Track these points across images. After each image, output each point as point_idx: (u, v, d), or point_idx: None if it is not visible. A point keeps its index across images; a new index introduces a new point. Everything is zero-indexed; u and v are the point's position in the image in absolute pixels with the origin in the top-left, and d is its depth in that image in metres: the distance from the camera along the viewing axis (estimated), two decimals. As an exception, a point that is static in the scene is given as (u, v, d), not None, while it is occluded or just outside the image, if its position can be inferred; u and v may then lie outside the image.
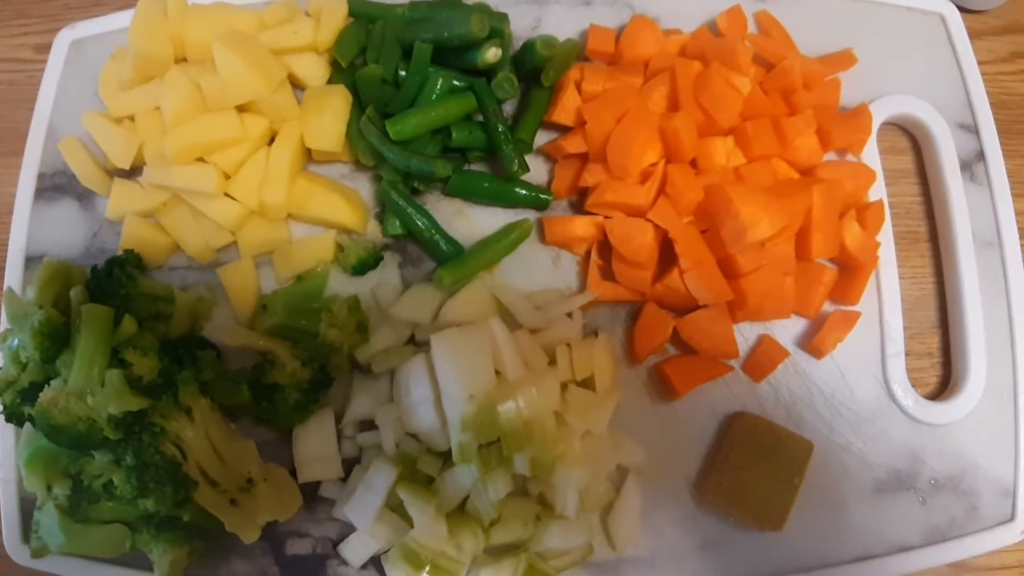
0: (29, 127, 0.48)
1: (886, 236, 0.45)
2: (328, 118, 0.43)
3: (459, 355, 0.37)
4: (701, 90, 0.43)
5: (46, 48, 0.51)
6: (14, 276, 0.46)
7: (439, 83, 0.44)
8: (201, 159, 0.43)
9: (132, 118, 0.45)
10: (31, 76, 0.52)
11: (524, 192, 0.44)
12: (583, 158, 0.44)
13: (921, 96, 0.47)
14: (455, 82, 0.44)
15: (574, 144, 0.44)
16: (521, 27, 0.48)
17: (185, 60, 0.45)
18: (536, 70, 0.45)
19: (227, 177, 0.43)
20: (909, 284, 0.46)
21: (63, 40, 0.50)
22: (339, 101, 0.44)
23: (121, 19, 0.49)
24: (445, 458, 0.39)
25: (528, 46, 0.45)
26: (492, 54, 0.43)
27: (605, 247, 0.43)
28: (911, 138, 0.49)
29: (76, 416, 0.35)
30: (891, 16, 0.49)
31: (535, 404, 0.37)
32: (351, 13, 0.46)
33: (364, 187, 0.46)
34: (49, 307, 0.37)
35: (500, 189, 0.44)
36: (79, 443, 0.36)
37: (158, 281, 0.43)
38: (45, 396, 0.35)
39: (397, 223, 0.44)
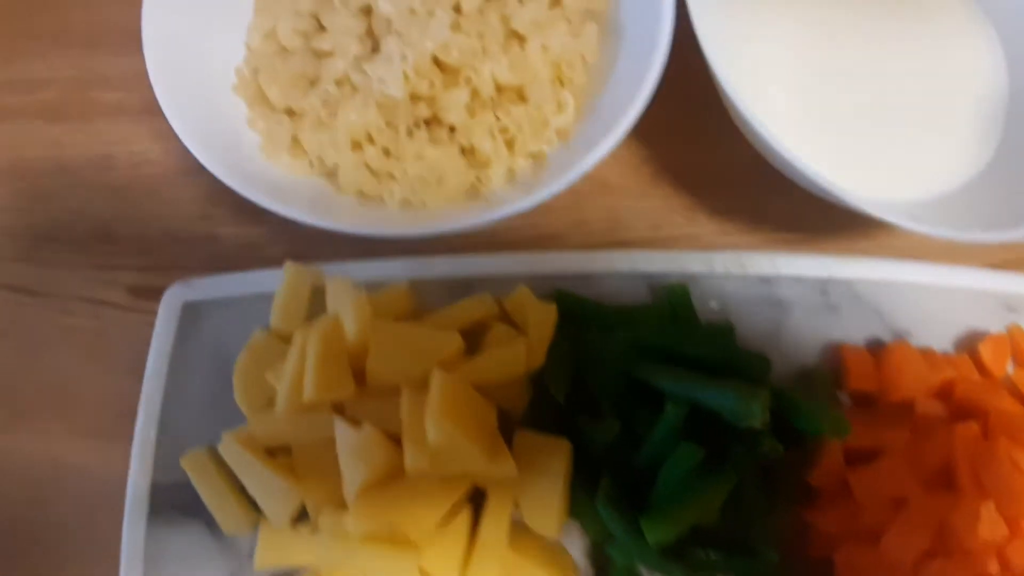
0: (129, 402, 0.35)
1: None
2: (544, 490, 0.32)
3: None
4: (982, 467, 0.34)
5: (144, 293, 0.40)
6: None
7: (693, 457, 0.32)
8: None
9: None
10: (125, 329, 0.39)
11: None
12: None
13: None
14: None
15: (833, 520, 0.34)
16: (755, 332, 0.36)
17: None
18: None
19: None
20: None
21: (174, 299, 0.33)
22: (557, 465, 0.32)
23: (260, 280, 0.37)
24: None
25: (789, 404, 0.34)
26: (760, 422, 0.32)
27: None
28: None
29: None
30: None
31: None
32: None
33: (575, 543, 0.34)
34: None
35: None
36: None
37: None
38: None
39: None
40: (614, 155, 0.36)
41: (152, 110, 0.36)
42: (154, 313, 0.38)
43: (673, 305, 0.37)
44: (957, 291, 0.42)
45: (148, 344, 0.37)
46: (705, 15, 0.36)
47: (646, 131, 0.38)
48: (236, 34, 0.39)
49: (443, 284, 0.38)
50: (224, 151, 0.35)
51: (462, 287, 0.38)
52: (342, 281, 0.35)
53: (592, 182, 0.42)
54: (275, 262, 0.37)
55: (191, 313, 0.38)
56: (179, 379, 0.37)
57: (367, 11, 0.36)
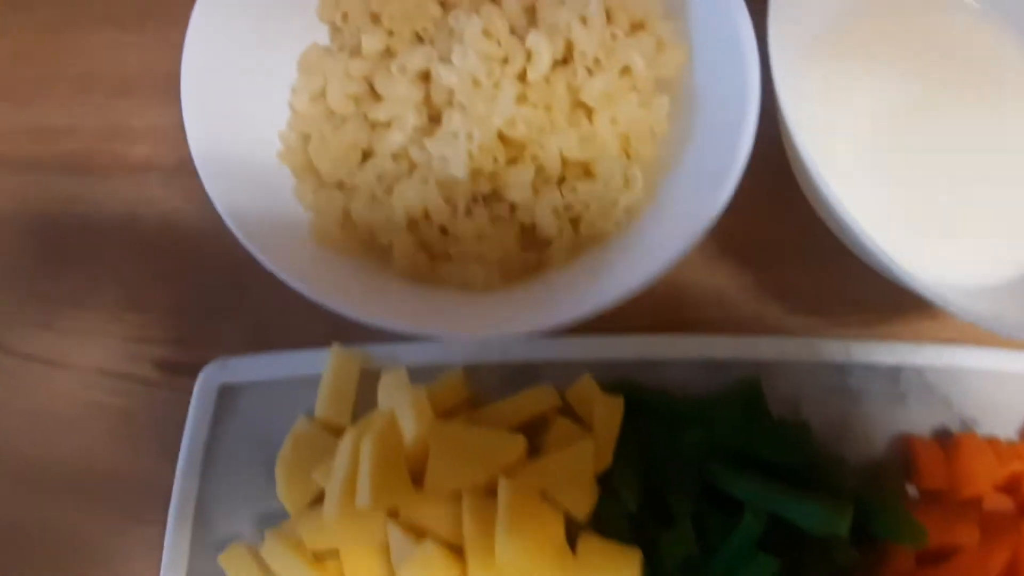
0: (160, 487, 0.33)
1: None
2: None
3: None
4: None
5: (175, 368, 0.37)
6: None
7: (769, 569, 0.30)
8: None
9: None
10: (155, 408, 0.36)
11: None
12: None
13: None
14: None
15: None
16: (824, 422, 0.34)
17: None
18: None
19: None
20: None
21: (210, 381, 0.31)
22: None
23: (304, 362, 0.34)
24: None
25: (866, 509, 0.32)
26: (842, 527, 0.30)
27: None
28: None
29: None
30: None
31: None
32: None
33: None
34: None
35: None
36: None
37: None
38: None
39: None
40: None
41: (185, 168, 0.33)
42: (186, 391, 0.35)
43: (745, 399, 0.35)
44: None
45: (179, 425, 0.34)
46: (787, 86, 0.33)
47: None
48: (280, 92, 0.37)
49: (499, 370, 0.36)
50: (264, 223, 0.32)
51: (518, 372, 0.35)
52: (398, 375, 0.33)
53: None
54: (318, 338, 0.35)
55: (228, 396, 0.36)
56: (216, 467, 0.35)
57: (425, 77, 0.34)
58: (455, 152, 0.31)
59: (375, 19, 0.35)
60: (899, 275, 0.32)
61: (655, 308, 0.39)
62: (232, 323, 0.38)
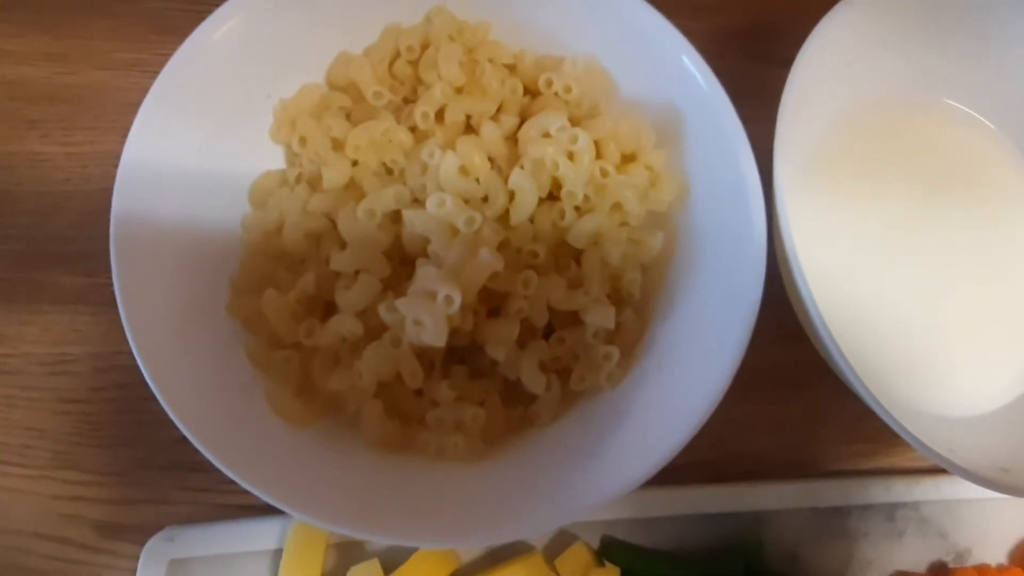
0: None
1: None
2: None
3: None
4: None
5: (113, 531, 0.32)
6: None
7: None
8: None
9: None
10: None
11: None
12: None
13: None
14: None
15: None
16: (823, 567, 0.34)
17: None
18: None
19: None
20: None
21: (156, 555, 0.29)
22: None
23: (258, 534, 0.31)
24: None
25: None
26: None
27: None
28: None
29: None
30: None
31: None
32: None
33: None
34: None
35: None
36: None
37: None
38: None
39: None
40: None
41: (115, 305, 0.29)
42: (125, 557, 0.31)
43: (746, 560, 0.33)
44: (1014, 500, 0.40)
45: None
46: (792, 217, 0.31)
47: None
48: (230, 224, 0.33)
49: (480, 534, 0.33)
50: (202, 392, 0.28)
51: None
52: (367, 570, 0.29)
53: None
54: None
55: (178, 572, 0.32)
56: None
57: (396, 218, 0.30)
58: (433, 318, 0.27)
59: (337, 146, 0.32)
60: (877, 409, 0.30)
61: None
62: (174, 480, 0.34)
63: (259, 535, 0.32)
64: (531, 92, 0.34)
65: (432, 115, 0.32)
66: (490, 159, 0.32)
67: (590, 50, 0.34)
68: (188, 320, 0.30)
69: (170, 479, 0.34)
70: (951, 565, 0.37)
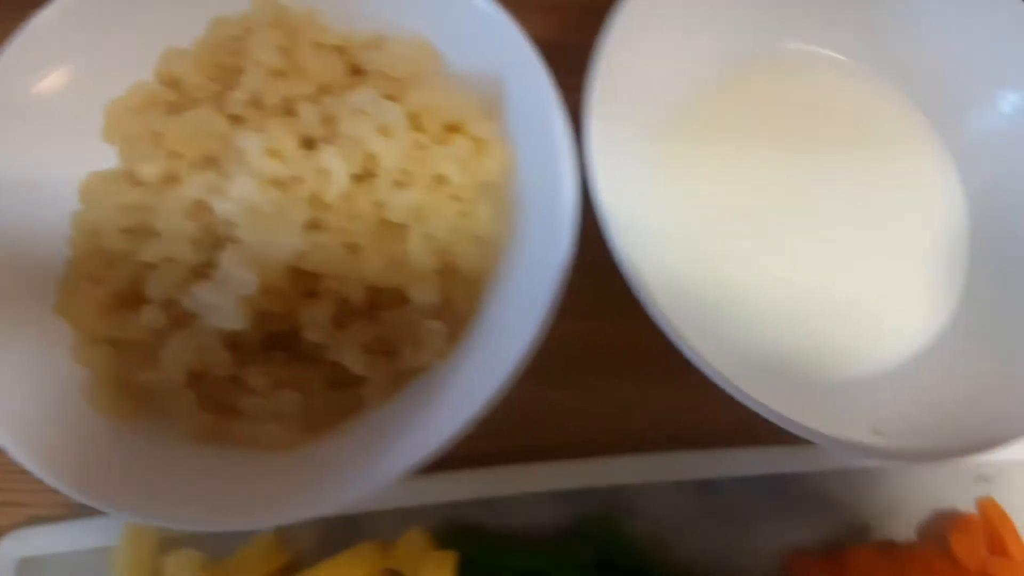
0: None
1: None
2: None
3: None
4: None
5: None
6: None
7: None
8: None
9: None
10: None
11: None
12: None
13: None
14: None
15: None
16: (700, 549, 0.34)
17: None
18: None
19: None
20: None
21: (7, 554, 0.31)
22: None
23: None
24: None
25: None
26: None
27: None
28: None
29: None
30: None
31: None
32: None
33: None
34: None
35: None
36: None
37: None
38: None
39: None
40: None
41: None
42: None
43: (600, 539, 0.31)
44: (921, 466, 0.37)
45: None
46: (611, 186, 0.30)
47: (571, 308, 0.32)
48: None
49: (316, 527, 0.31)
50: (23, 388, 0.28)
51: (339, 529, 0.31)
52: (187, 558, 0.29)
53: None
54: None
55: (30, 570, 0.31)
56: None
57: (203, 207, 0.30)
58: (226, 301, 0.27)
59: (157, 139, 0.32)
60: (734, 394, 0.28)
61: (501, 433, 0.35)
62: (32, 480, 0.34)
63: (113, 530, 0.31)
64: (361, 72, 0.34)
65: (248, 101, 0.32)
66: (311, 140, 0.31)
67: (419, 28, 0.34)
68: (13, 324, 0.30)
69: (24, 480, 0.34)
70: (850, 542, 0.35)
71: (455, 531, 0.31)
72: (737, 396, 0.27)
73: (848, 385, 0.33)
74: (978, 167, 0.37)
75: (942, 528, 0.35)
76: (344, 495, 0.26)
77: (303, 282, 0.30)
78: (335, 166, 0.30)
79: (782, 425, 0.27)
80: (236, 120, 0.32)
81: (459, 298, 0.31)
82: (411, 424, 0.28)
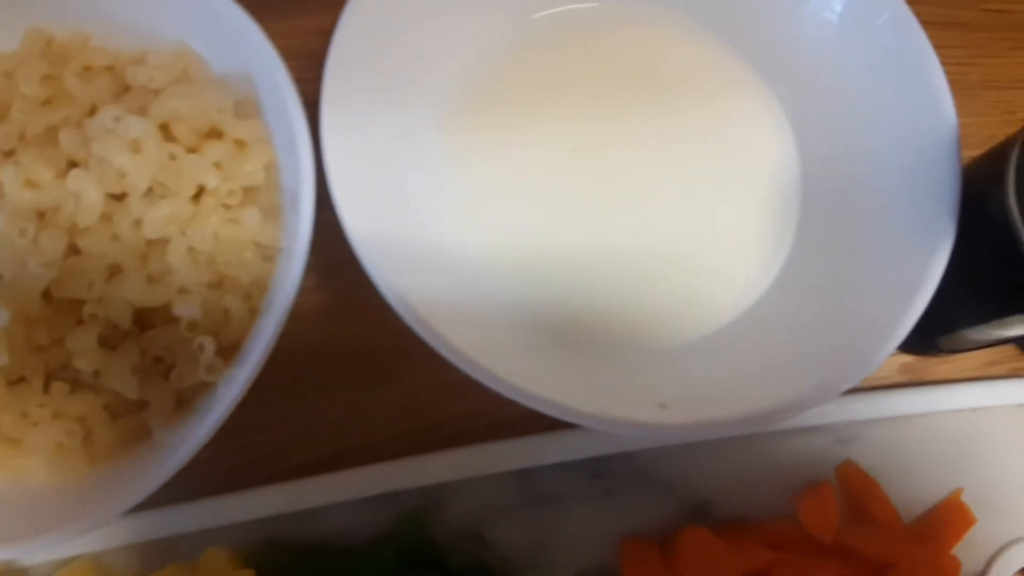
0: None
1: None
2: None
3: None
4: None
5: None
6: None
7: None
8: None
9: None
10: None
11: None
12: None
13: None
14: None
15: None
16: (522, 541, 0.32)
17: None
18: None
19: None
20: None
21: None
22: None
23: None
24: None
25: None
26: None
27: None
28: None
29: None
30: None
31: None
32: None
33: None
34: None
35: None
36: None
37: None
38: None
39: None
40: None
41: None
42: None
43: (404, 540, 0.30)
44: (771, 436, 0.34)
45: None
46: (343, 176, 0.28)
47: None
48: None
49: (134, 552, 0.31)
50: None
51: (156, 552, 0.31)
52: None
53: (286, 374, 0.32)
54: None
55: None
56: None
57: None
58: (-32, 340, 0.27)
59: (-65, 185, 0.32)
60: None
61: (314, 440, 0.34)
62: None
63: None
64: (129, 89, 0.33)
65: (18, 135, 0.31)
66: (76, 164, 0.31)
67: (183, 36, 0.33)
68: None
69: None
70: (694, 523, 0.32)
71: (265, 546, 0.31)
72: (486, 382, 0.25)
73: (658, 355, 0.31)
74: (802, 104, 0.33)
75: (799, 497, 0.32)
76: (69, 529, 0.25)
77: (71, 311, 0.30)
78: (85, 188, 0.29)
79: (537, 408, 0.25)
80: (8, 155, 0.32)
81: (235, 309, 0.30)
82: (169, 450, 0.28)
